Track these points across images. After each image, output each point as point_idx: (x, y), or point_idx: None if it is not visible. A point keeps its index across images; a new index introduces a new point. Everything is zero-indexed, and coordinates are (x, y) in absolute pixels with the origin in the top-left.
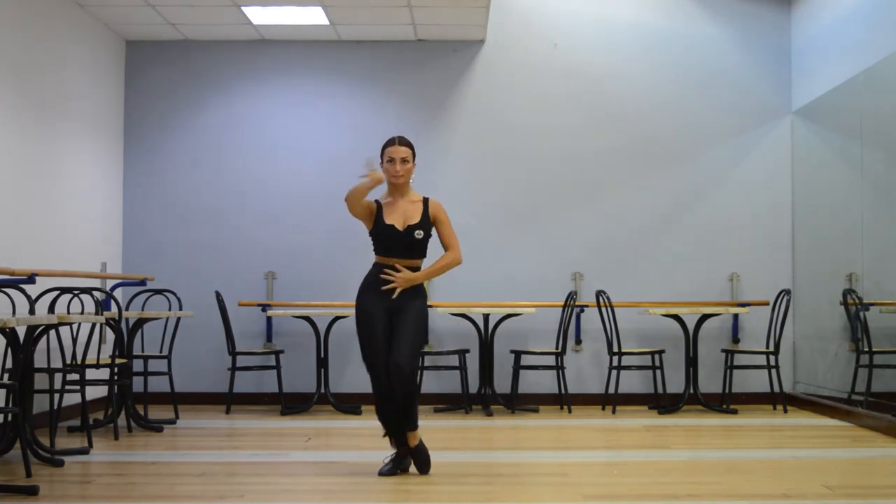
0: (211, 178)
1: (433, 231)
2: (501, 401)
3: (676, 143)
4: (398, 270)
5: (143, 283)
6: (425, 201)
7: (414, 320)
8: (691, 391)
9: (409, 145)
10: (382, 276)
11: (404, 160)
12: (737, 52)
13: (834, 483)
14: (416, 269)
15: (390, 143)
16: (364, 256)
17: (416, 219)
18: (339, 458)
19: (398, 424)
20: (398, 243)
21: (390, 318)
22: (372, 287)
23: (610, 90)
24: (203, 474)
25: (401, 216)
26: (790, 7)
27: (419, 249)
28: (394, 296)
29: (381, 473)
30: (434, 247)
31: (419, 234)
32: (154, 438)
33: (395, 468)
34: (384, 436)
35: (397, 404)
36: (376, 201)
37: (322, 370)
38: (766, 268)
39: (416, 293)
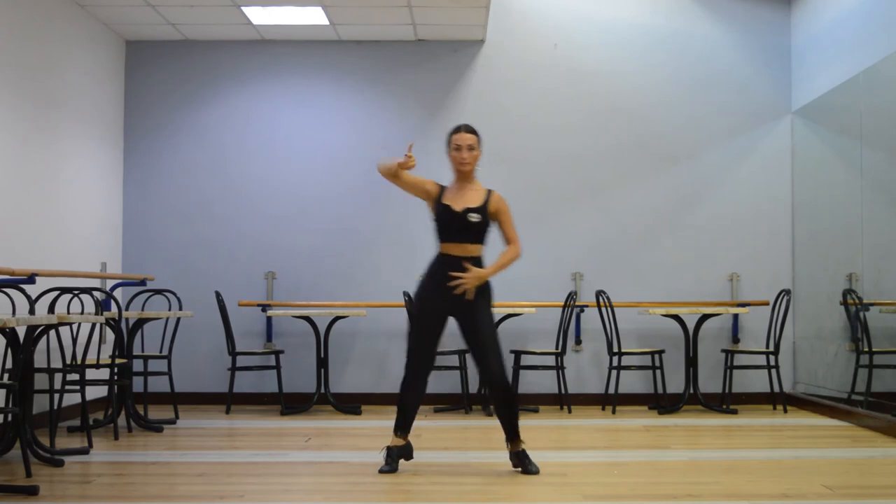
0: (211, 177)
1: (492, 223)
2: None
3: (676, 143)
4: (461, 265)
5: (143, 283)
6: (488, 192)
7: (490, 324)
8: (691, 391)
9: (475, 132)
10: (451, 273)
11: (470, 147)
12: (737, 52)
13: (834, 483)
14: (475, 257)
15: (456, 130)
16: (365, 255)
17: (474, 203)
18: (339, 458)
19: (411, 418)
20: (454, 224)
21: (453, 314)
22: (434, 279)
23: (610, 90)
24: (203, 474)
25: (459, 199)
26: (790, 7)
27: (476, 234)
28: (468, 296)
29: (381, 471)
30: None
31: (474, 216)
32: (154, 438)
33: (394, 465)
34: (396, 430)
35: (418, 397)
36: (441, 185)
37: (322, 370)
38: (766, 268)
39: (482, 287)
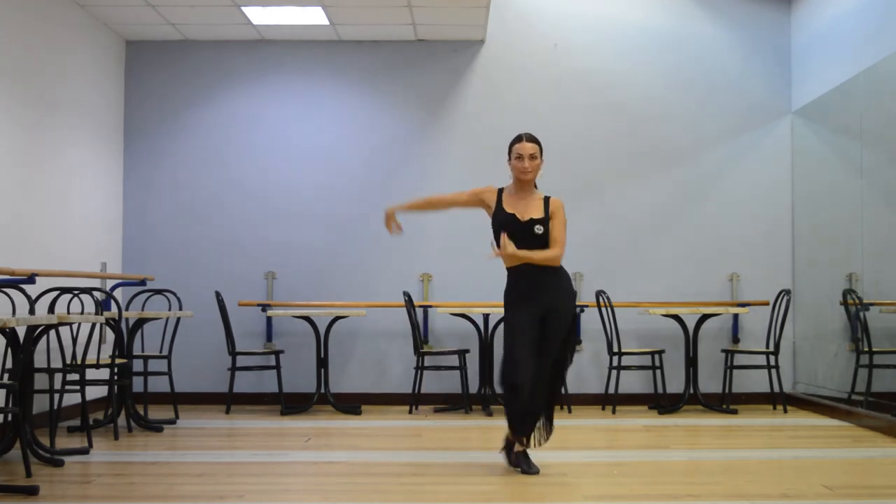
0: (211, 177)
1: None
2: (501, 401)
3: (676, 143)
4: (532, 271)
5: (142, 283)
6: (546, 199)
7: (562, 334)
8: (691, 391)
9: (537, 141)
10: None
11: (532, 156)
12: (737, 52)
13: (834, 483)
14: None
15: (518, 139)
16: (365, 255)
17: (537, 214)
18: (339, 458)
19: (525, 423)
20: (518, 234)
21: (539, 323)
22: (517, 299)
23: (609, 90)
24: (203, 474)
25: (522, 208)
26: (790, 7)
27: (539, 244)
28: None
29: (533, 472)
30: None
31: (539, 229)
32: (154, 438)
33: (527, 464)
34: (510, 438)
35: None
36: (499, 189)
37: (322, 370)
38: (766, 268)
39: (567, 293)
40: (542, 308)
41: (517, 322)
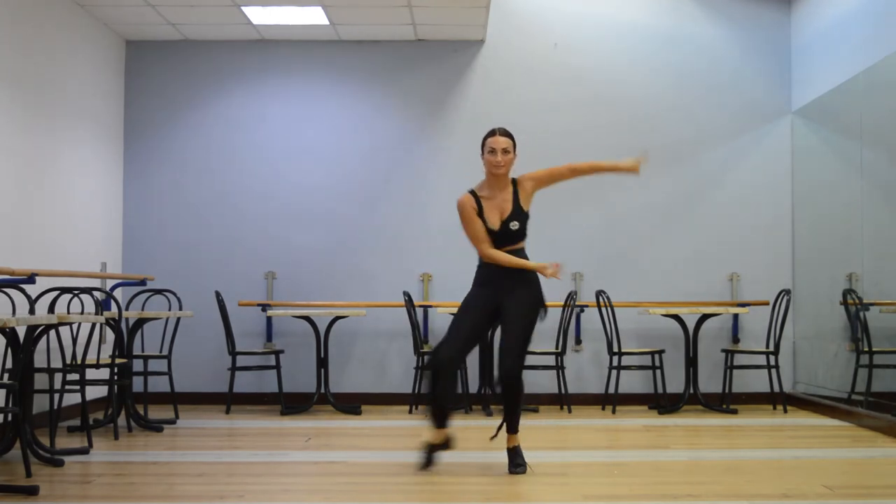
0: (211, 177)
1: (535, 195)
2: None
3: (676, 143)
4: (501, 266)
5: (142, 283)
6: (513, 185)
7: (524, 322)
8: (691, 391)
9: (510, 136)
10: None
11: (505, 151)
12: (737, 52)
13: (834, 483)
14: (519, 250)
15: (491, 134)
16: (365, 255)
17: (508, 210)
18: (339, 458)
19: (444, 405)
20: (497, 239)
21: (496, 302)
22: (484, 279)
23: (609, 90)
24: (203, 474)
25: (497, 212)
26: (790, 7)
27: (518, 236)
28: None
29: (420, 469)
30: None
31: (514, 225)
32: (154, 438)
33: (430, 460)
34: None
35: (450, 387)
36: (474, 195)
37: (322, 370)
38: (766, 268)
39: (528, 280)
40: (499, 295)
41: (470, 302)
